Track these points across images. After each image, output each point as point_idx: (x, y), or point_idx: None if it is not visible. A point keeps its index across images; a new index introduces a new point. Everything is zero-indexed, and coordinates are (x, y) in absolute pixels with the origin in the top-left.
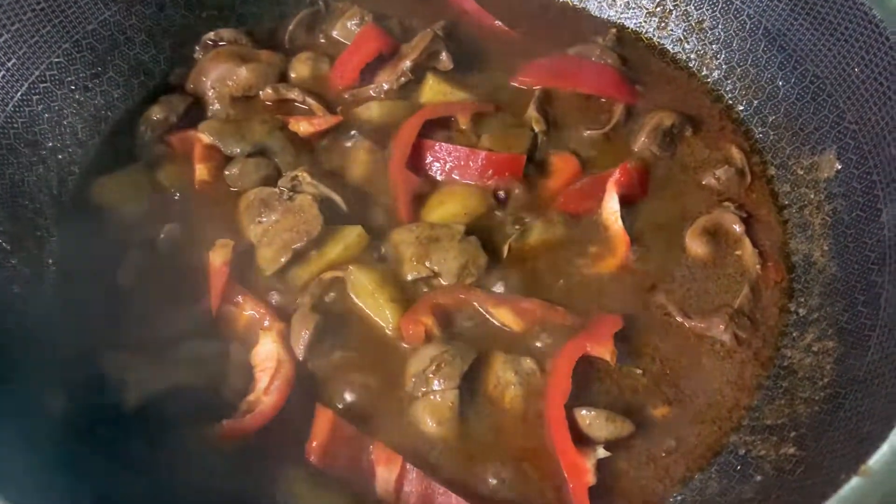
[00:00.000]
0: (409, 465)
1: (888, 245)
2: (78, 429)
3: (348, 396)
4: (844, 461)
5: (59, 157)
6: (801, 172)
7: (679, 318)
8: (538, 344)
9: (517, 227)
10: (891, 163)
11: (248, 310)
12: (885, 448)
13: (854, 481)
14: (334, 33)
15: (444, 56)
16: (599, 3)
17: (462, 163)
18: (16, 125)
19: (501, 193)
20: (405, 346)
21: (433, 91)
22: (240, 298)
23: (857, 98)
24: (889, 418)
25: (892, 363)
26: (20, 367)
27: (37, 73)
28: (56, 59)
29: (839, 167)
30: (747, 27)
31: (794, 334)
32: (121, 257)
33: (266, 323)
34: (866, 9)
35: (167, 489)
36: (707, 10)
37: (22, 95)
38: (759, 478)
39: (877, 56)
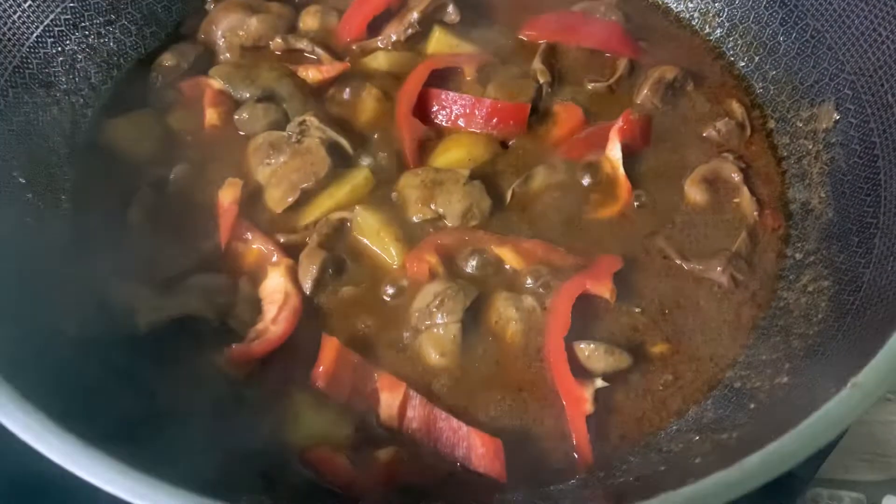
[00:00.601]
0: (412, 392)
1: (883, 188)
2: (91, 351)
3: (353, 329)
4: (835, 380)
5: (73, 99)
6: (800, 124)
7: (678, 261)
8: (539, 283)
9: (518, 174)
10: (887, 109)
11: (256, 246)
12: (873, 363)
13: (844, 392)
14: None
15: (451, 9)
16: None
17: (467, 111)
18: (31, 66)
19: (506, 141)
20: (410, 282)
21: (440, 43)
22: (248, 235)
23: (856, 49)
24: (881, 339)
25: (883, 294)
26: (34, 294)
27: (52, 16)
28: (70, 4)
29: (837, 117)
30: None
31: (791, 277)
32: (132, 195)
33: (274, 258)
34: None
35: (176, 411)
36: None
37: (37, 37)
38: (752, 405)
39: (876, 6)
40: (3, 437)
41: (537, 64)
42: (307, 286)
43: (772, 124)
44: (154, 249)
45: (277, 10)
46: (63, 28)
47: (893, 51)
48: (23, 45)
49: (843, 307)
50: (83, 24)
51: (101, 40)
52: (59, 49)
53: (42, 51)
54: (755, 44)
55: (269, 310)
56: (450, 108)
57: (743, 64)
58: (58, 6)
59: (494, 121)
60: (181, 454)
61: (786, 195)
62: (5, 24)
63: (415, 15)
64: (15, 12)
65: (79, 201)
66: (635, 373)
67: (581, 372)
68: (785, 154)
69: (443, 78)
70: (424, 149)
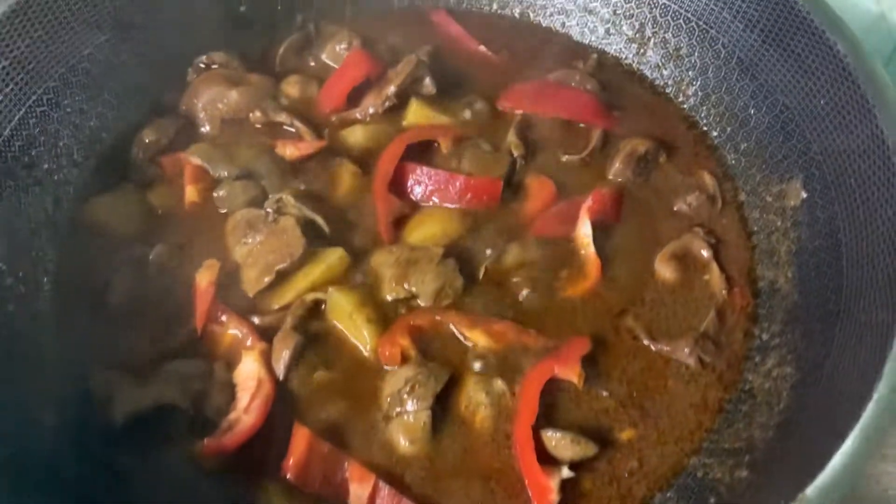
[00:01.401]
0: (381, 483)
1: (846, 276)
2: (69, 441)
3: (325, 415)
4: (787, 488)
5: (55, 178)
6: (770, 199)
7: (646, 342)
8: (509, 365)
9: (493, 250)
10: (850, 194)
11: (231, 329)
12: (820, 480)
13: None
14: (323, 57)
15: (427, 81)
16: (581, 28)
17: (441, 186)
18: (13, 148)
19: (480, 216)
20: (384, 367)
21: (416, 115)
22: (224, 318)
23: (822, 129)
24: (829, 451)
25: (838, 395)
26: (13, 383)
27: (34, 97)
28: (52, 84)
29: (805, 195)
30: (722, 56)
31: (757, 359)
32: (112, 276)
33: (249, 342)
34: (831, 43)
35: (150, 501)
36: (684, 38)
37: (19, 119)
38: (712, 500)
39: (840, 90)
40: None
41: (511, 137)
42: (280, 371)
43: (743, 197)
44: (133, 333)
45: (257, 82)
46: (45, 108)
47: (857, 136)
48: (4, 128)
49: (803, 400)
50: (65, 102)
51: (84, 116)
52: (42, 129)
53: (24, 132)
54: (727, 114)
55: (242, 397)
56: (425, 183)
57: (716, 134)
58: (40, 87)
59: (468, 196)
60: None
61: (755, 272)
62: None
63: (392, 88)
64: None
65: (60, 284)
66: (602, 459)
67: (548, 459)
68: (755, 228)
69: (419, 151)
70: (399, 223)
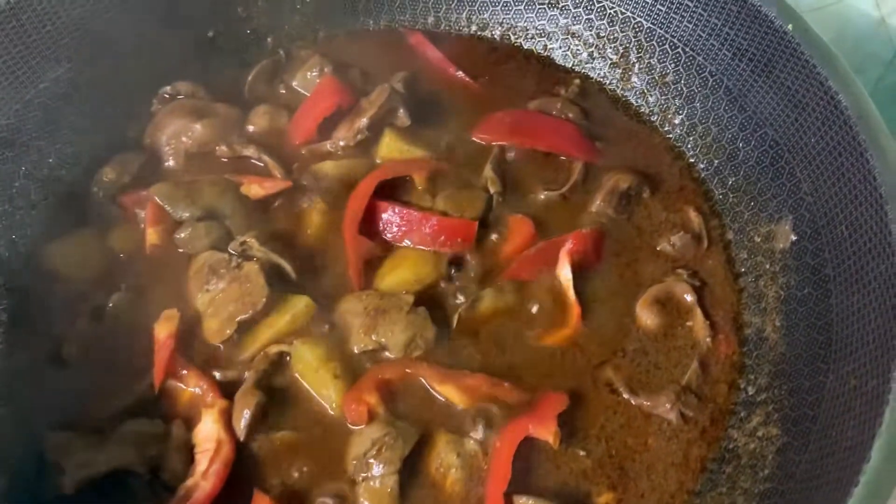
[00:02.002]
0: None
1: (835, 331)
2: None
3: (288, 479)
4: None
5: (10, 221)
6: (759, 240)
7: (626, 396)
8: (482, 423)
9: (465, 297)
10: (842, 242)
11: (191, 385)
12: None
13: None
14: (294, 84)
15: (401, 112)
16: (564, 52)
17: (414, 227)
18: None
19: (454, 258)
20: (349, 425)
21: (390, 148)
22: (184, 373)
23: (812, 169)
24: None
25: (826, 466)
26: None
27: None
28: (6, 122)
29: (794, 238)
30: (709, 84)
31: (742, 414)
32: (68, 327)
33: (209, 399)
34: (823, 77)
35: None
36: (670, 64)
37: None
38: None
39: (832, 128)
40: None
41: (488, 172)
42: (241, 431)
43: (730, 235)
44: (89, 388)
45: (225, 113)
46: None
47: (849, 180)
48: None
49: (789, 468)
50: (22, 138)
51: (41, 154)
52: None
53: None
54: (715, 146)
55: (201, 461)
56: (396, 224)
57: (702, 167)
58: None
59: (442, 238)
60: None
61: (741, 317)
62: None
63: (364, 121)
64: None
65: (14, 336)
66: None
67: None
68: (742, 270)
69: (392, 186)
70: (370, 265)
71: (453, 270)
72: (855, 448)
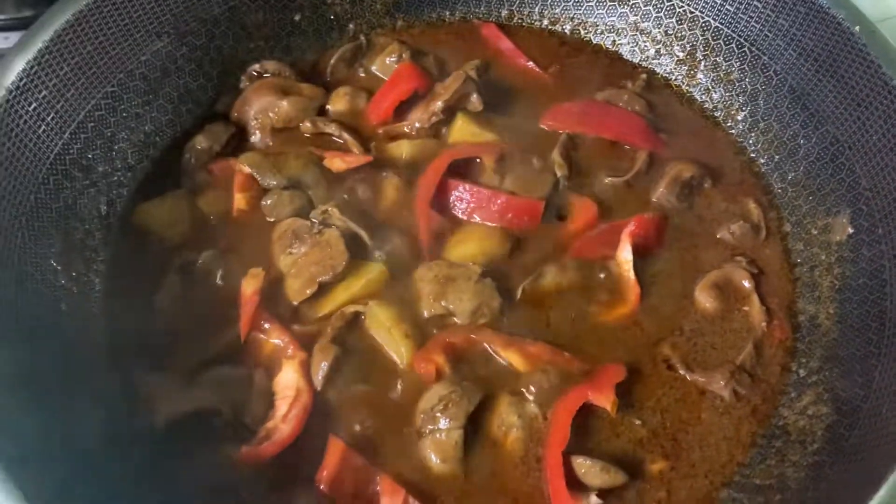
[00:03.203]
0: (411, 499)
1: (888, 319)
2: (111, 443)
3: (360, 428)
4: None
5: (110, 180)
6: (815, 232)
7: (682, 372)
8: (543, 388)
9: (531, 271)
10: None
11: (273, 338)
12: None
13: None
14: (373, 68)
15: (474, 98)
16: (632, 47)
17: (483, 204)
18: (71, 151)
19: (520, 235)
20: (417, 382)
21: (462, 131)
22: (267, 326)
23: (873, 165)
24: (862, 499)
25: (875, 441)
26: (63, 380)
27: (93, 102)
28: (111, 89)
29: (851, 231)
30: (773, 83)
31: (793, 395)
32: (160, 280)
33: (290, 352)
34: (888, 78)
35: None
36: (736, 62)
37: (78, 123)
38: None
39: (894, 126)
40: None
41: (556, 156)
42: (318, 381)
43: (787, 228)
44: (178, 336)
45: (308, 92)
46: (103, 112)
47: None
48: (65, 132)
49: (838, 442)
50: (122, 106)
51: (139, 121)
52: (99, 133)
53: (83, 136)
54: (776, 143)
55: (281, 406)
56: (466, 200)
57: (763, 161)
58: (99, 91)
59: (509, 215)
60: None
61: (795, 305)
62: (49, 114)
63: (439, 104)
64: (59, 101)
65: (111, 286)
66: (631, 489)
67: (577, 486)
68: (798, 261)
69: (463, 167)
70: (440, 239)
71: (517, 247)
72: None
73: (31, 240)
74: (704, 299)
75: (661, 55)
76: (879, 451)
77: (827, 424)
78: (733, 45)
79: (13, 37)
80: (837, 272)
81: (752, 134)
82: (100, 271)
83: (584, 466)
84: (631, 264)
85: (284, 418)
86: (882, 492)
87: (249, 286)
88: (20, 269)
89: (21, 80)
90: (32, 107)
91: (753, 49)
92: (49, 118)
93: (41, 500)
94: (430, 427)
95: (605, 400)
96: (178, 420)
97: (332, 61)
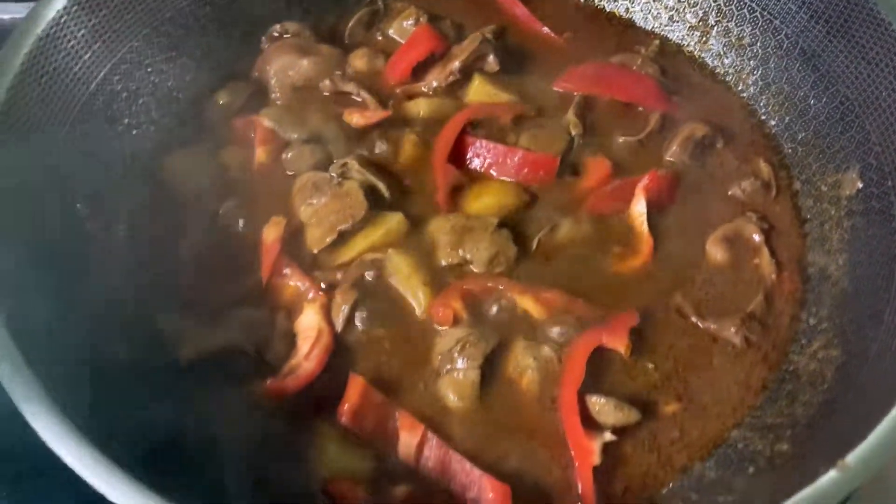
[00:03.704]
0: (430, 433)
1: None
2: (137, 375)
3: (379, 368)
4: (827, 458)
5: (134, 133)
6: (825, 189)
7: (694, 319)
8: (558, 333)
9: (547, 224)
10: None
11: (295, 282)
12: (860, 448)
13: (831, 474)
14: (391, 32)
15: (491, 58)
16: (645, 14)
17: (500, 160)
18: (97, 102)
19: (536, 190)
20: (435, 326)
21: (478, 91)
22: (288, 272)
23: (883, 120)
24: (872, 421)
25: (883, 374)
26: (89, 318)
27: (119, 55)
28: (136, 44)
29: (860, 185)
30: (784, 46)
31: (803, 341)
32: (184, 228)
33: (310, 296)
34: None
35: (209, 438)
36: (747, 27)
37: (104, 75)
38: (751, 469)
39: None
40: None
41: (570, 116)
42: (338, 324)
43: (797, 186)
44: (201, 280)
45: (327, 53)
46: (129, 66)
47: None
48: (91, 83)
49: (848, 380)
50: (147, 61)
51: (163, 76)
52: (124, 86)
53: (108, 87)
54: (787, 104)
55: (303, 346)
56: (483, 156)
57: (774, 123)
58: (124, 46)
59: (525, 171)
60: (210, 478)
61: (805, 259)
62: (76, 64)
63: (456, 64)
64: (86, 52)
65: (135, 232)
66: (644, 428)
67: (591, 424)
68: (808, 217)
69: (479, 125)
70: (457, 194)
71: (533, 201)
72: None
73: (59, 183)
74: (715, 252)
75: (673, 21)
76: (888, 384)
77: (837, 366)
78: (745, 11)
79: None
80: (847, 225)
81: (763, 97)
82: (124, 219)
83: (598, 405)
84: (645, 217)
85: (307, 357)
86: (893, 413)
87: (271, 234)
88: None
89: (51, 28)
90: (61, 55)
91: (765, 13)
92: (76, 68)
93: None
94: (448, 367)
95: (618, 343)
96: (202, 357)
97: (351, 24)
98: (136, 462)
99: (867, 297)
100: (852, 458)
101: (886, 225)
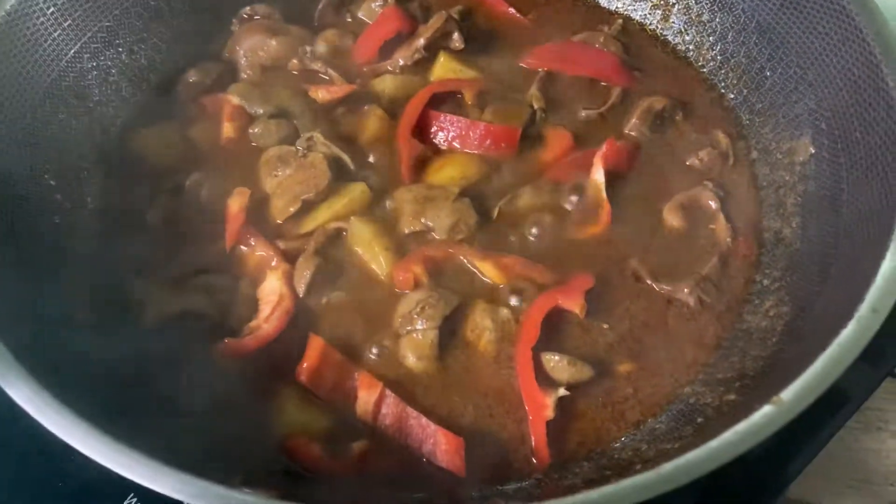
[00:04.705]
0: (387, 391)
1: (842, 221)
2: (102, 338)
3: (340, 330)
4: (767, 398)
5: (104, 110)
6: (780, 156)
7: (649, 282)
8: (516, 296)
9: (508, 192)
10: (854, 145)
11: (259, 251)
12: (796, 384)
13: (766, 408)
14: (360, 14)
15: (456, 36)
16: None
17: (462, 132)
18: (67, 79)
19: (497, 163)
20: (396, 291)
21: (444, 68)
22: (252, 241)
23: (832, 88)
24: (807, 362)
25: (825, 323)
26: (56, 283)
27: (89, 34)
28: (107, 24)
29: (812, 151)
30: (741, 21)
31: (756, 301)
32: (151, 199)
33: (273, 263)
34: (845, 3)
35: (171, 398)
36: (706, 4)
37: (75, 53)
38: (700, 420)
39: (851, 49)
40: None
41: (533, 90)
42: (301, 289)
43: (755, 155)
44: (167, 248)
45: (297, 33)
46: (99, 45)
47: (864, 91)
48: (61, 60)
49: (795, 332)
50: (117, 41)
51: (133, 56)
52: (94, 64)
53: (78, 65)
54: (745, 77)
55: (264, 309)
56: (447, 129)
57: (732, 96)
58: (95, 25)
59: (487, 142)
60: (171, 436)
61: (761, 224)
62: (46, 40)
63: (421, 41)
64: (56, 30)
65: (103, 203)
66: (598, 385)
67: (546, 381)
68: (764, 184)
69: (444, 101)
70: (421, 166)
71: (495, 172)
72: (852, 300)
73: (28, 156)
74: (672, 218)
75: (636, 1)
76: (828, 330)
77: (786, 321)
78: None
79: None
80: (801, 189)
81: (722, 70)
82: (92, 192)
83: (552, 361)
84: (603, 185)
85: (268, 318)
86: (827, 351)
87: (235, 203)
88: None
89: (21, 4)
90: (31, 31)
91: None
92: (46, 44)
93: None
94: (408, 328)
95: (574, 304)
96: (165, 320)
97: (320, 6)
98: (99, 418)
99: (817, 255)
100: (786, 394)
101: (836, 186)
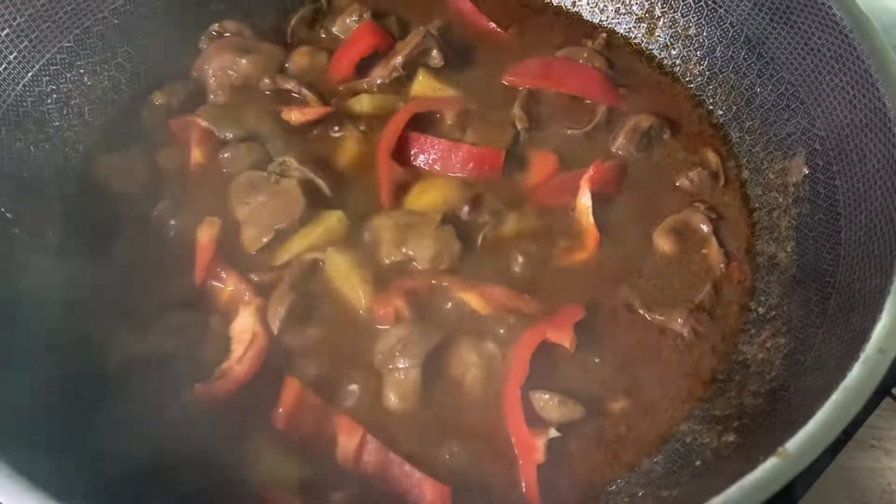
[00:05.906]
0: (369, 436)
1: (843, 247)
2: (65, 386)
3: (318, 370)
4: (771, 445)
5: (65, 135)
6: (773, 176)
7: (641, 311)
8: (502, 329)
9: (492, 219)
10: (851, 168)
11: (230, 285)
12: (801, 434)
13: (772, 461)
14: (334, 29)
15: (435, 53)
16: (591, 7)
17: (444, 155)
18: (25, 104)
19: (481, 187)
20: (376, 325)
21: (423, 86)
22: (223, 274)
23: (825, 106)
24: (813, 408)
25: (827, 360)
26: (14, 328)
27: (48, 55)
28: (67, 44)
29: (807, 171)
30: (730, 35)
31: (752, 331)
32: (117, 230)
33: (246, 297)
34: (838, 19)
35: (140, 445)
36: (693, 17)
37: (32, 76)
38: (698, 462)
39: (845, 66)
40: None
41: (516, 110)
42: (275, 326)
43: (746, 175)
44: (134, 285)
45: (268, 51)
46: (59, 67)
47: (860, 111)
48: (17, 84)
49: (795, 367)
50: (78, 62)
51: (96, 78)
52: (54, 87)
53: (37, 89)
54: (734, 93)
55: (237, 349)
56: (428, 152)
57: (721, 113)
58: (54, 46)
59: (470, 166)
60: (140, 487)
61: (754, 247)
62: (0, 63)
63: (399, 59)
64: (11, 52)
65: (65, 236)
66: (590, 424)
67: (536, 421)
68: (756, 206)
69: (424, 122)
70: (401, 191)
71: (478, 196)
72: (856, 337)
73: None
74: (662, 242)
75: (620, 14)
76: (831, 369)
77: (784, 353)
78: (690, 1)
79: None
80: (795, 212)
81: (710, 86)
82: (53, 223)
83: (542, 400)
84: (590, 210)
85: (240, 360)
86: (832, 398)
87: (205, 234)
88: None
89: None
90: None
91: (710, 3)
92: (0, 68)
93: None
94: (389, 366)
95: (563, 337)
96: (131, 363)
97: (293, 22)
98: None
99: (814, 283)
100: (792, 444)
101: (832, 210)
